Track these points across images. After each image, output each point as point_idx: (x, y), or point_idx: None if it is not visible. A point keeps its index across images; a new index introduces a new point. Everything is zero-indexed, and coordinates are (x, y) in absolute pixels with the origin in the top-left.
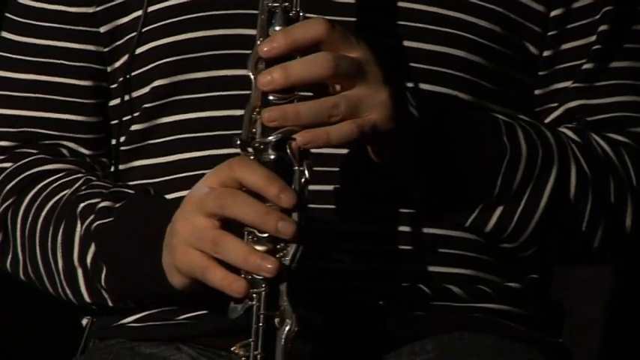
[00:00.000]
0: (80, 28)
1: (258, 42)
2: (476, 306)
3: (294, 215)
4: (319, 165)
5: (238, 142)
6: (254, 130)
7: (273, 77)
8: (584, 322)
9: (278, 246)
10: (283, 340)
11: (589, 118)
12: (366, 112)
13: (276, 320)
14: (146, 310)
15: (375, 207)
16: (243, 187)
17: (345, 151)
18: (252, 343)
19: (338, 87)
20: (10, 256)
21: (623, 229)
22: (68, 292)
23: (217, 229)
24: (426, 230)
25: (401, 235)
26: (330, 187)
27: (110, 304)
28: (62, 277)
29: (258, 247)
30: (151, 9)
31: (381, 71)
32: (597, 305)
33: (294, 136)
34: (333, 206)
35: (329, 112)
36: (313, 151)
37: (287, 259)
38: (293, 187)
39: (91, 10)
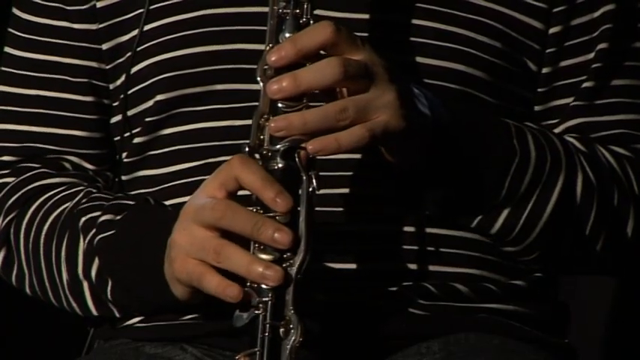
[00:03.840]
0: (83, 44)
1: (267, 48)
2: (482, 306)
3: (301, 225)
4: (325, 169)
5: (247, 149)
6: (262, 136)
7: (282, 86)
8: (590, 324)
9: (285, 255)
10: (289, 350)
11: (590, 136)
12: (375, 113)
13: (282, 330)
14: None
15: (381, 208)
16: (241, 188)
17: (350, 154)
18: (257, 352)
19: (345, 90)
20: (15, 271)
21: (625, 239)
22: (74, 305)
23: (219, 239)
24: (432, 230)
25: (407, 235)
26: (336, 190)
27: (117, 315)
28: (68, 290)
29: (265, 256)
30: (149, 26)
31: (386, 72)
32: (604, 306)
33: (303, 145)
34: (339, 208)
35: (337, 117)
36: (321, 157)
37: (293, 269)
38: (300, 195)
39: (94, 27)
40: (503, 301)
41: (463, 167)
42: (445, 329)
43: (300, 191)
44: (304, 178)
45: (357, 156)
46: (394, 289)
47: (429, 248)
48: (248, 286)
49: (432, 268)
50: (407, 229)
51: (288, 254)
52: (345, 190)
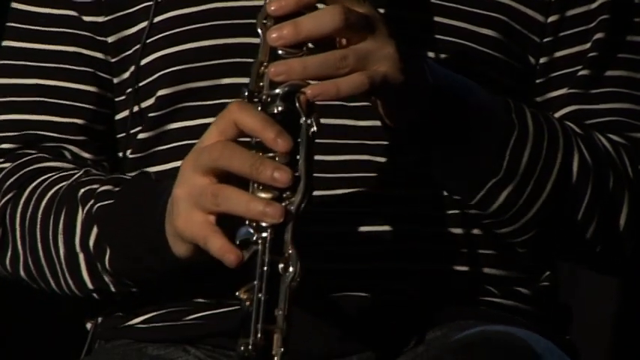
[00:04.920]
0: (89, 34)
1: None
2: (483, 299)
3: (301, 166)
4: (327, 169)
5: (246, 94)
6: (261, 84)
7: (283, 33)
8: (590, 323)
9: (284, 194)
10: (287, 285)
11: (585, 122)
12: (375, 64)
13: (281, 266)
14: (153, 311)
15: (384, 209)
16: (240, 133)
17: (358, 156)
18: (255, 284)
19: (344, 41)
20: (9, 253)
21: (618, 223)
22: (69, 280)
23: (217, 184)
24: (434, 229)
25: (408, 235)
26: (342, 191)
27: (112, 289)
28: (64, 264)
29: (264, 195)
30: (157, 19)
31: (386, 27)
32: (605, 306)
33: (303, 90)
34: (339, 209)
35: (337, 64)
36: (335, 142)
37: (292, 208)
38: (300, 139)
39: (100, 19)
40: (505, 298)
41: (463, 133)
42: (448, 319)
43: (300, 136)
44: (304, 119)
45: (363, 157)
46: (395, 287)
47: (432, 248)
48: (247, 225)
49: (434, 266)
50: (408, 228)
51: (288, 193)
52: (346, 191)
